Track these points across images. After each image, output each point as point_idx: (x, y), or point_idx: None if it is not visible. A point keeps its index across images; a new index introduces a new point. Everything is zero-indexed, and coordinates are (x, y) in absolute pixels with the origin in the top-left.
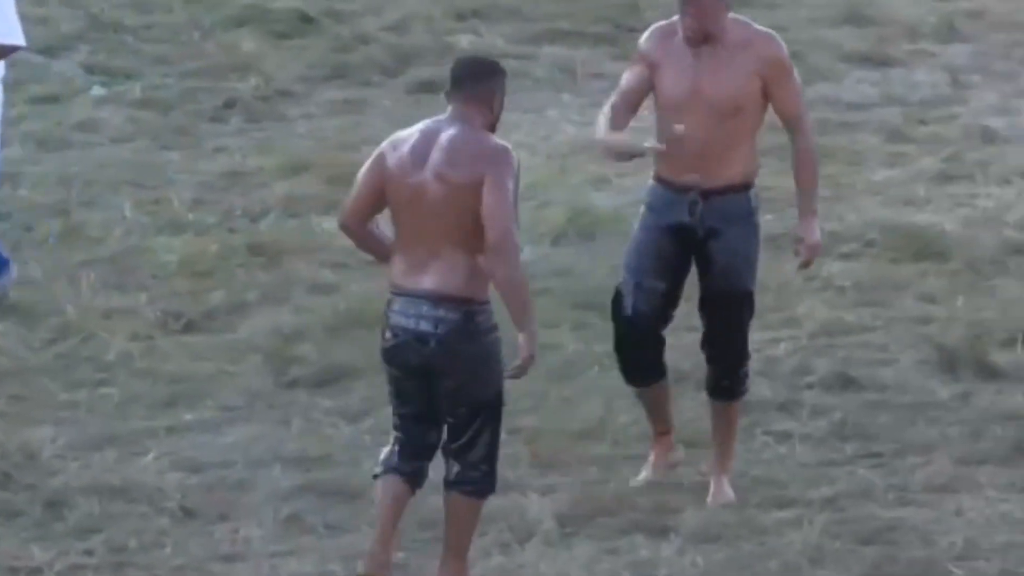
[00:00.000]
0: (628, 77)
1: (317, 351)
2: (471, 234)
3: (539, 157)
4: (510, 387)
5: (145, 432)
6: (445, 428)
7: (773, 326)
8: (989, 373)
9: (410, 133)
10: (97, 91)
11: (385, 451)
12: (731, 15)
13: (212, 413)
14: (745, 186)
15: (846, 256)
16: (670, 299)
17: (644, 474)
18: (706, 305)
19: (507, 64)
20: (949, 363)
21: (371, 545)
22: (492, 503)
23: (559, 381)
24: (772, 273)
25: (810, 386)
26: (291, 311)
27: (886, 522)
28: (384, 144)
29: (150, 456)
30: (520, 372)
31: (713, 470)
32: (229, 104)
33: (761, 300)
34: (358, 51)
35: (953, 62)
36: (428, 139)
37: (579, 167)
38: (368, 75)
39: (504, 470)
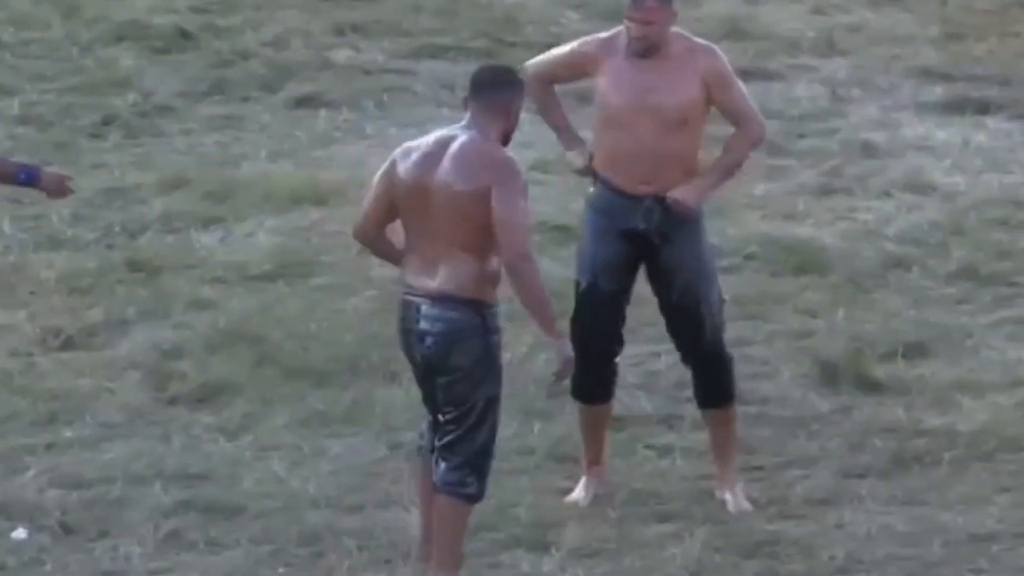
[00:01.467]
0: (562, 56)
1: (197, 367)
2: (476, 239)
3: None
4: (395, 402)
5: (24, 449)
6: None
7: (653, 340)
8: (869, 386)
9: (423, 140)
10: None
11: (421, 425)
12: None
13: (92, 430)
14: None
15: (726, 270)
16: (624, 301)
17: (576, 495)
18: (675, 319)
19: (386, 79)
20: (829, 376)
21: (419, 528)
22: (374, 518)
23: None
24: None
25: (691, 399)
26: (170, 327)
27: (767, 536)
28: (396, 152)
29: (30, 473)
30: (562, 376)
31: (722, 483)
32: (108, 120)
33: (641, 313)
34: (237, 66)
35: (833, 76)
36: (441, 146)
37: None
38: (247, 90)
39: (386, 485)
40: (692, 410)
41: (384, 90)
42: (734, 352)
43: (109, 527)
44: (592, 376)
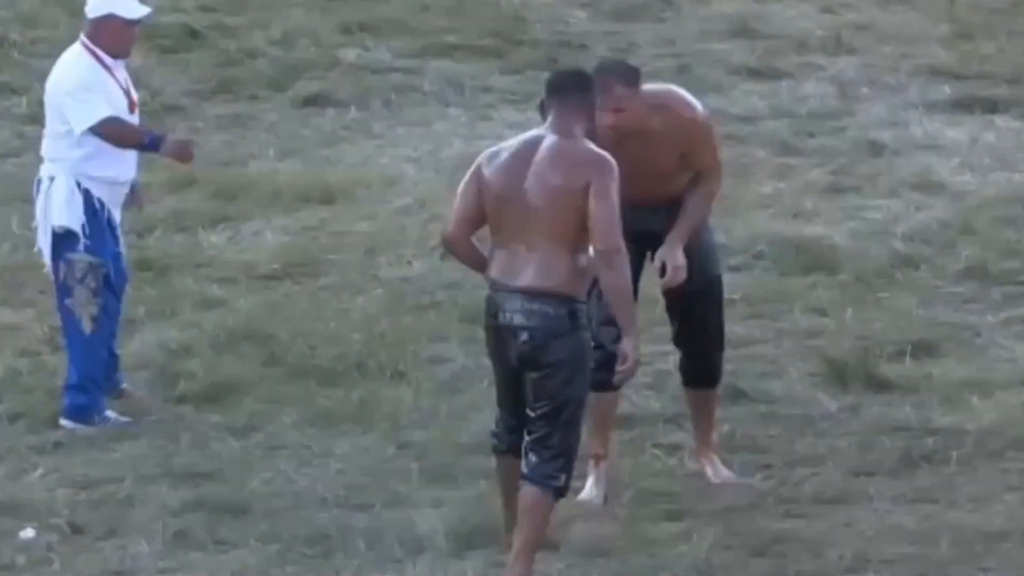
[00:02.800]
0: None
1: (205, 366)
2: (570, 234)
3: (427, 171)
4: (402, 401)
5: (33, 448)
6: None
7: (662, 339)
8: (878, 385)
9: (508, 144)
10: None
11: (496, 426)
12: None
13: (100, 429)
14: None
15: (735, 269)
16: (634, 295)
17: (588, 493)
18: (682, 300)
19: (394, 78)
20: (838, 375)
21: (505, 522)
22: (382, 517)
23: (448, 395)
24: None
25: None
26: (178, 326)
27: (776, 534)
28: (480, 158)
29: (38, 472)
30: (626, 376)
31: (701, 455)
32: None
33: (650, 313)
34: (245, 65)
35: (841, 75)
36: (530, 147)
37: None
38: (255, 89)
39: (394, 484)
40: None
41: (392, 89)
42: (742, 351)
43: (117, 526)
44: (608, 368)
